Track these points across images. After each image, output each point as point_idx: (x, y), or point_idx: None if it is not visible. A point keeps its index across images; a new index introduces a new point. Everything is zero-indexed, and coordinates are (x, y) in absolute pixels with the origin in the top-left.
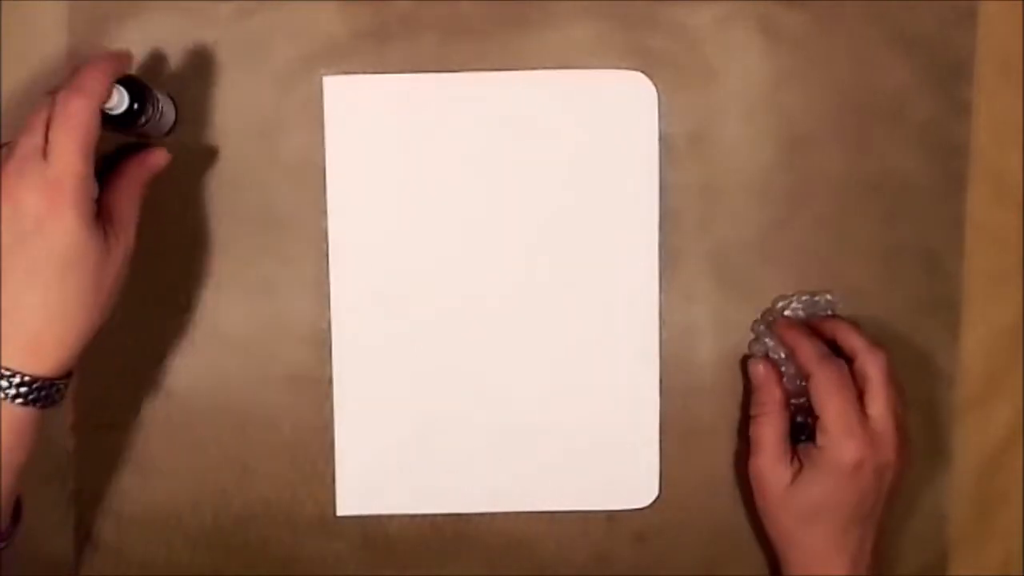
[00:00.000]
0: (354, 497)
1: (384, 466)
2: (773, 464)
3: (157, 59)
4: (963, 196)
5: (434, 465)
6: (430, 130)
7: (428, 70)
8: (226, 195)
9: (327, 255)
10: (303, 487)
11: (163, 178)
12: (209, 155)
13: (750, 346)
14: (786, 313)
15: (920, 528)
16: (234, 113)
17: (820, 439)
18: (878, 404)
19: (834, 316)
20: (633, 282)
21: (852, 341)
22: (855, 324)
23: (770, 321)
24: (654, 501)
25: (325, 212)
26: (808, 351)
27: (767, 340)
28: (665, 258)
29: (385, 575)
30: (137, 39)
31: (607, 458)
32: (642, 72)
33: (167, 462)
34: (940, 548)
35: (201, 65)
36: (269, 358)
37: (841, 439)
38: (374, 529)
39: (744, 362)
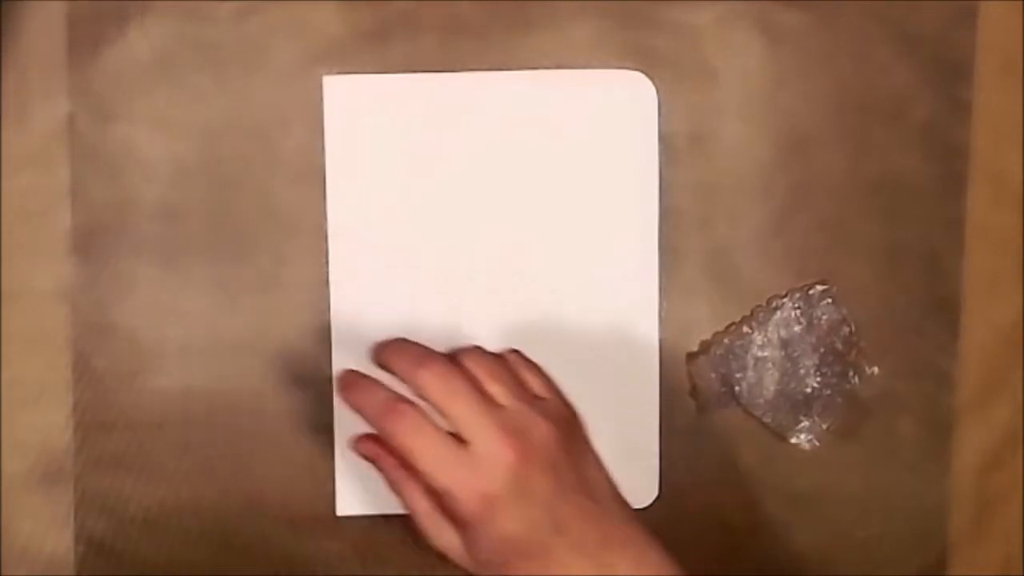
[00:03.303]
0: (354, 497)
1: None
2: (439, 534)
3: (157, 59)
4: (963, 196)
5: None
6: (430, 130)
7: (428, 70)
8: (226, 195)
9: (327, 255)
10: (303, 487)
11: (162, 178)
12: (209, 155)
13: (697, 367)
14: (780, 315)
15: (920, 528)
16: (234, 113)
17: (440, 501)
18: (460, 424)
19: (385, 341)
20: (633, 282)
21: (396, 368)
22: (400, 340)
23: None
24: (654, 501)
25: (325, 212)
26: (366, 409)
27: (755, 336)
28: (665, 257)
29: (385, 575)
30: (137, 39)
31: (607, 458)
32: (642, 72)
33: (167, 462)
34: (940, 548)
35: (201, 65)
36: (269, 358)
37: (449, 492)
38: (374, 529)
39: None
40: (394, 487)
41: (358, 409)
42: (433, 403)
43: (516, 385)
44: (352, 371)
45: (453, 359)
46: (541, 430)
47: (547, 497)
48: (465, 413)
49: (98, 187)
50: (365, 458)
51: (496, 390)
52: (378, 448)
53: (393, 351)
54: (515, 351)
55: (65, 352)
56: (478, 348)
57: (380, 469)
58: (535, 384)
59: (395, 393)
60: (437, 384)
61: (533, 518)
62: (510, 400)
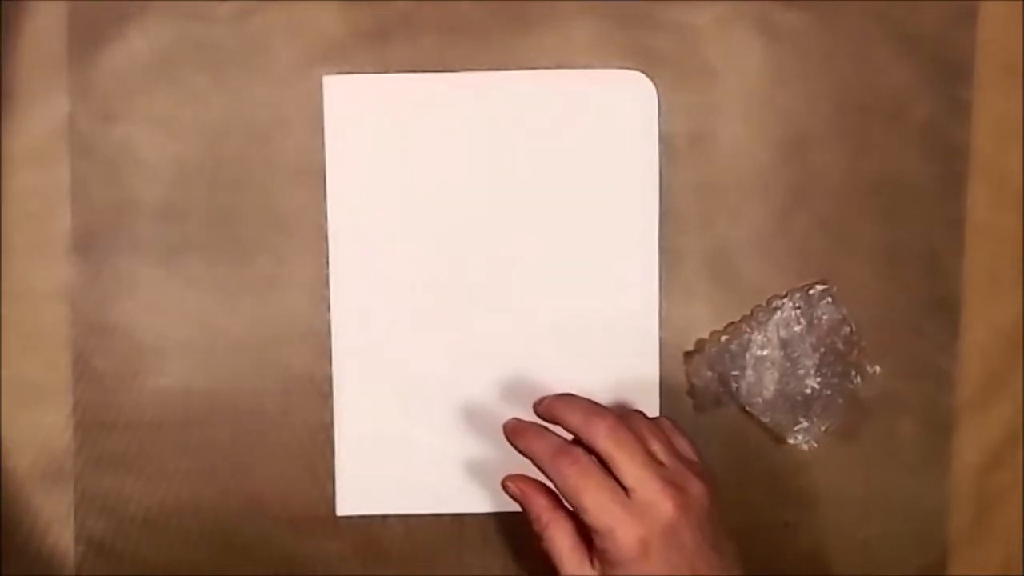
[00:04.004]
0: (354, 497)
1: (384, 466)
2: (579, 570)
3: (157, 59)
4: (963, 196)
5: (434, 465)
6: (430, 130)
7: (428, 70)
8: (226, 195)
9: (327, 255)
10: (303, 487)
11: (162, 178)
12: (209, 155)
13: (695, 369)
14: (780, 315)
15: (920, 528)
16: (234, 113)
17: (596, 540)
18: (626, 473)
19: (555, 396)
20: (633, 282)
21: (568, 420)
22: (570, 396)
23: (704, 353)
24: None
25: (325, 212)
26: (538, 453)
27: (754, 336)
28: (665, 258)
29: (385, 575)
30: (137, 39)
31: None
32: (642, 72)
33: (167, 462)
34: (940, 548)
35: (201, 65)
36: (269, 358)
37: (611, 533)
38: (374, 529)
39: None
40: (541, 524)
41: (529, 452)
42: (602, 452)
43: (671, 446)
44: (518, 419)
45: (619, 416)
46: (696, 488)
47: (691, 550)
48: (631, 464)
49: (98, 187)
50: (513, 497)
51: (657, 448)
52: (529, 488)
53: (565, 405)
54: (668, 418)
55: (65, 352)
56: (639, 412)
57: (527, 507)
58: (684, 447)
59: (564, 439)
60: (608, 435)
61: (676, 567)
62: (668, 458)
